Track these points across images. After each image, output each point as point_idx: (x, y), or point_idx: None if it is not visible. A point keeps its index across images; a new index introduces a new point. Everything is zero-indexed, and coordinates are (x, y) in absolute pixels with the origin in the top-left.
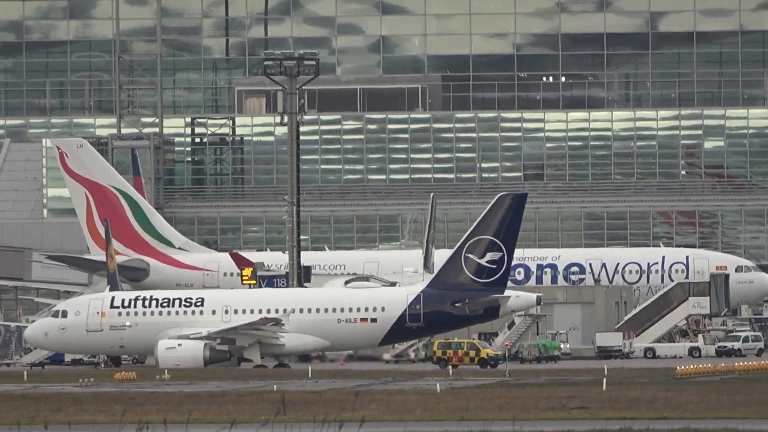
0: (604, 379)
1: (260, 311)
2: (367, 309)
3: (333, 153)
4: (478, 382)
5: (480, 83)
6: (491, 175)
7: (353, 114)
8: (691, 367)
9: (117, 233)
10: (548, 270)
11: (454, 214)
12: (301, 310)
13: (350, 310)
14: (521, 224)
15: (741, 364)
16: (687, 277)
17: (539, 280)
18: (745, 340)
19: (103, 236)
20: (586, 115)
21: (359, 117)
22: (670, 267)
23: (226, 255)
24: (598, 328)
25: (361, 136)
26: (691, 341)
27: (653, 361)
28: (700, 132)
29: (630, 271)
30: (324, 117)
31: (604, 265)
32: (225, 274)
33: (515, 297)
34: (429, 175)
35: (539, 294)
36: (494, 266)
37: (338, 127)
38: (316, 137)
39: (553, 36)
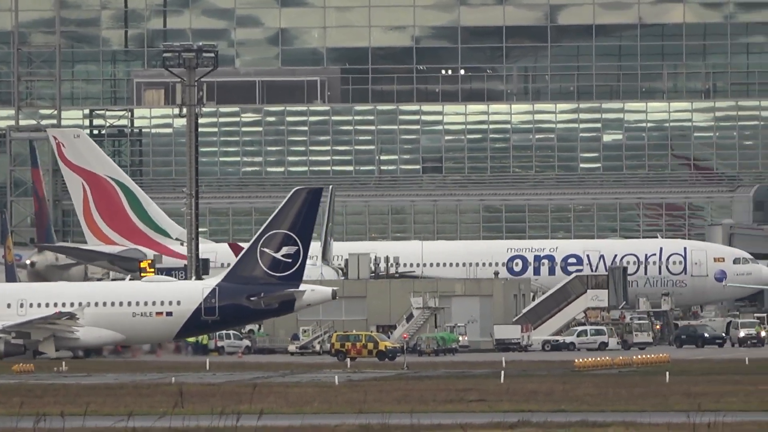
0: (502, 372)
1: (56, 305)
2: (162, 303)
3: (232, 145)
4: (376, 375)
5: (379, 76)
6: (390, 168)
7: (252, 106)
8: (590, 359)
9: (114, 223)
10: (546, 261)
11: (353, 206)
12: (97, 304)
13: (146, 303)
14: (421, 216)
15: (639, 357)
16: (685, 269)
17: (537, 271)
18: (582, 334)
19: (100, 227)
20: (485, 107)
21: (258, 109)
22: (668, 258)
23: (223, 245)
24: (497, 320)
25: (260, 129)
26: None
27: (551, 354)
28: (599, 125)
29: (628, 263)
30: (223, 109)
31: (602, 256)
32: (222, 265)
33: (310, 291)
34: (328, 168)
35: (335, 288)
36: (290, 260)
37: (237, 119)
38: (215, 129)
39: (452, 29)
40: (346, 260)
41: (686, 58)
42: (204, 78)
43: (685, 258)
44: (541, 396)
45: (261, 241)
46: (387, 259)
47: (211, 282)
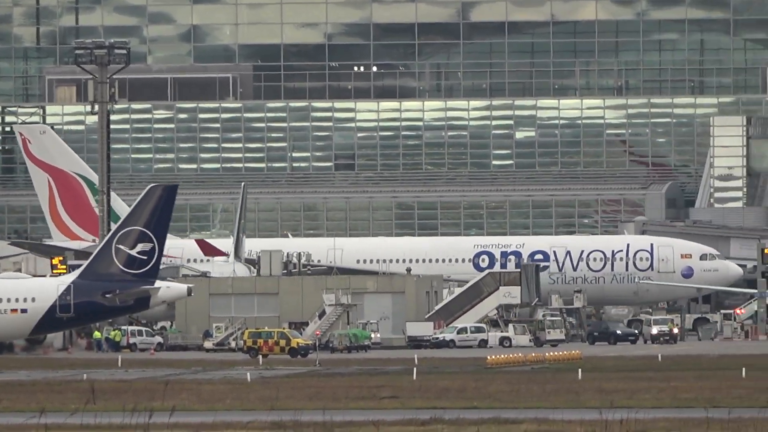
0: (415, 369)
1: None
2: (17, 300)
3: (144, 142)
4: (288, 372)
5: (291, 73)
6: (302, 165)
7: (164, 103)
8: (502, 356)
9: (80, 219)
10: (512, 257)
11: (265, 203)
12: None
13: (0, 300)
14: (333, 213)
15: (551, 354)
16: (652, 265)
17: (503, 267)
18: (462, 331)
19: (66, 223)
20: (398, 104)
21: (170, 106)
22: (635, 255)
23: (191, 241)
24: (409, 317)
25: (172, 125)
26: (502, 331)
27: (464, 351)
28: (512, 122)
29: (594, 259)
30: (135, 106)
31: (568, 252)
32: (189, 260)
33: (165, 288)
34: (240, 165)
35: (191, 285)
36: (145, 257)
37: (149, 116)
38: (127, 126)
39: (365, 25)
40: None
41: (598, 55)
42: (116, 75)
43: (651, 254)
44: (453, 393)
45: (116, 238)
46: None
47: (66, 279)
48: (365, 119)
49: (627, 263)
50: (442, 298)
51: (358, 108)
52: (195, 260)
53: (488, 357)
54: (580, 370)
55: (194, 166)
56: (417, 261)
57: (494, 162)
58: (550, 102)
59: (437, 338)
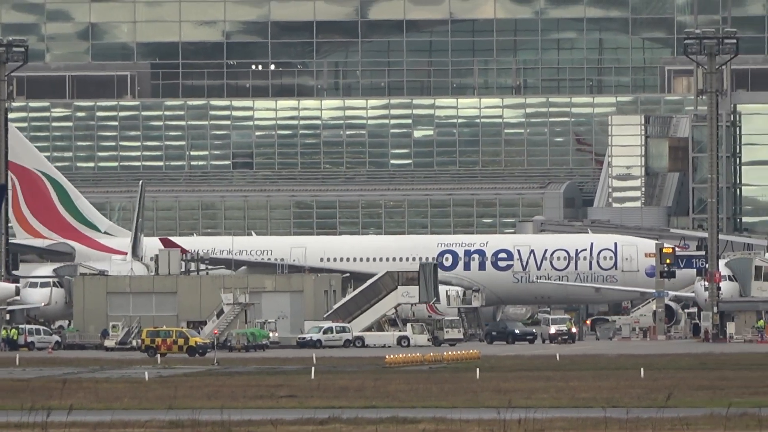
0: (313, 368)
1: None
2: None
3: (41, 140)
4: (186, 371)
5: (189, 71)
6: (200, 163)
7: (62, 101)
8: (400, 355)
9: (43, 217)
10: (476, 256)
11: (163, 201)
12: None
13: None
14: (231, 212)
15: (449, 353)
16: (615, 264)
17: (467, 266)
18: (328, 331)
19: (29, 221)
20: (296, 103)
21: (68, 104)
22: (599, 254)
23: (153, 239)
24: (307, 316)
25: (70, 124)
26: (401, 330)
27: (362, 350)
28: (410, 121)
29: (558, 258)
30: (32, 104)
31: (532, 251)
32: (151, 259)
33: None
34: (138, 163)
35: (18, 284)
36: None
37: (47, 114)
38: (25, 124)
39: (263, 24)
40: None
41: (497, 53)
42: (14, 73)
43: (615, 253)
44: (351, 392)
45: None
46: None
47: None
48: (263, 117)
49: (590, 262)
50: (341, 297)
51: (256, 106)
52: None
53: (387, 356)
54: (478, 369)
55: (92, 164)
56: (381, 260)
57: (392, 161)
58: (448, 101)
59: (303, 338)
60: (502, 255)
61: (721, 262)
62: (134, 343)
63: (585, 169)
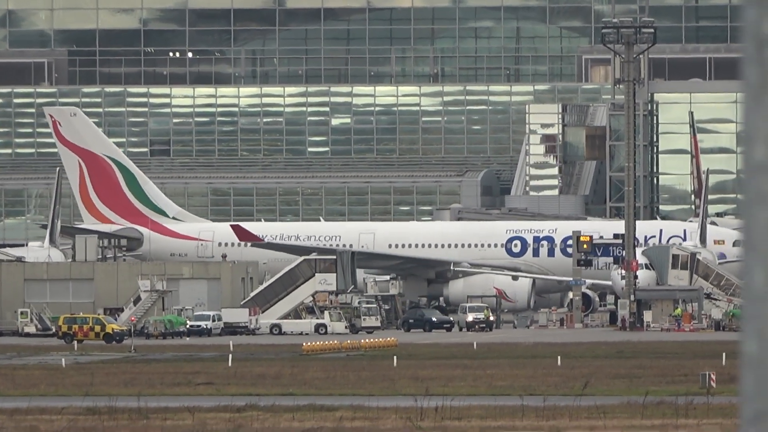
0: (230, 355)
1: None
2: None
3: None
4: (103, 358)
5: (107, 58)
6: None
7: None
8: (318, 343)
9: (111, 202)
10: (545, 243)
11: None
12: None
13: None
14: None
15: (366, 341)
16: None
17: (536, 252)
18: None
19: (97, 206)
20: (213, 90)
21: None
22: (668, 240)
23: (222, 225)
24: (225, 303)
25: None
26: (318, 318)
27: (279, 338)
28: (327, 109)
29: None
30: None
31: (601, 237)
32: (219, 244)
33: None
34: (55, 150)
35: None
36: None
37: None
38: None
39: (180, 11)
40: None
41: (414, 42)
42: None
43: (684, 240)
44: (269, 379)
45: None
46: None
47: None
48: (181, 105)
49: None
50: (259, 284)
51: (173, 94)
52: (227, 244)
53: (304, 344)
54: (395, 357)
55: (9, 151)
56: (450, 246)
57: (310, 149)
58: (365, 89)
59: (198, 326)
60: (572, 242)
61: (638, 251)
62: (53, 329)
63: (502, 157)
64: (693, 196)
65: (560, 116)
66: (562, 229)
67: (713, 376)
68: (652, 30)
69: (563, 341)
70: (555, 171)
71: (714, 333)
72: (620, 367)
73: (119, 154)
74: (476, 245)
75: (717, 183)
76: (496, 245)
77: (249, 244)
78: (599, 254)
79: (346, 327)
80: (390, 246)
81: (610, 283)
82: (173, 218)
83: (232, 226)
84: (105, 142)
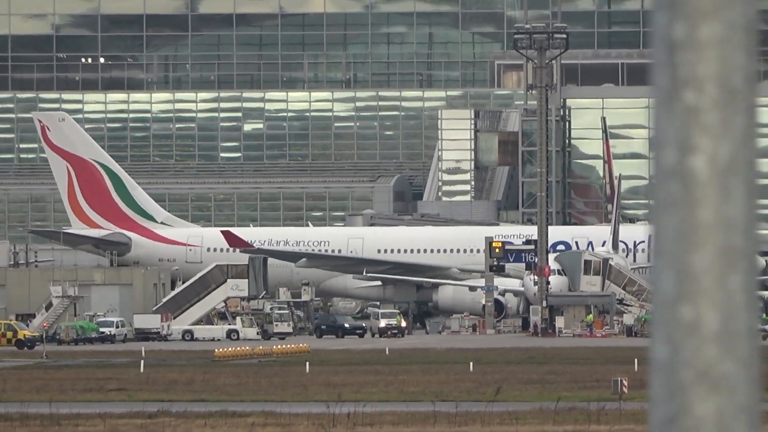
0: (142, 361)
1: None
2: None
3: None
4: (15, 364)
5: (18, 64)
6: (30, 156)
7: None
8: (230, 349)
9: (99, 207)
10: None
11: None
12: None
13: None
14: (61, 204)
15: (279, 347)
16: None
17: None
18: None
19: (85, 211)
20: (126, 96)
21: None
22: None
23: (210, 230)
24: (137, 309)
25: None
26: (230, 324)
27: (191, 344)
28: (240, 114)
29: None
30: None
31: (590, 243)
32: (208, 249)
33: None
34: None
35: None
36: None
37: None
38: None
39: (93, 17)
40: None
41: (327, 47)
42: None
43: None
44: (181, 385)
45: None
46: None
47: None
48: (93, 111)
49: (649, 255)
50: (171, 290)
51: (85, 99)
52: (215, 249)
53: (216, 350)
54: (307, 363)
55: None
56: (440, 251)
57: (222, 154)
58: (278, 94)
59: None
60: (560, 247)
61: (551, 257)
62: None
63: (415, 162)
64: (605, 201)
65: (473, 122)
66: (551, 233)
67: (625, 382)
68: (565, 35)
69: (475, 347)
70: (467, 177)
71: (626, 339)
72: (532, 372)
73: (108, 159)
74: (464, 251)
75: (629, 188)
76: (478, 251)
77: (239, 249)
78: (511, 259)
79: (258, 333)
80: (379, 251)
81: (522, 288)
82: (161, 223)
83: (222, 231)
84: (93, 147)
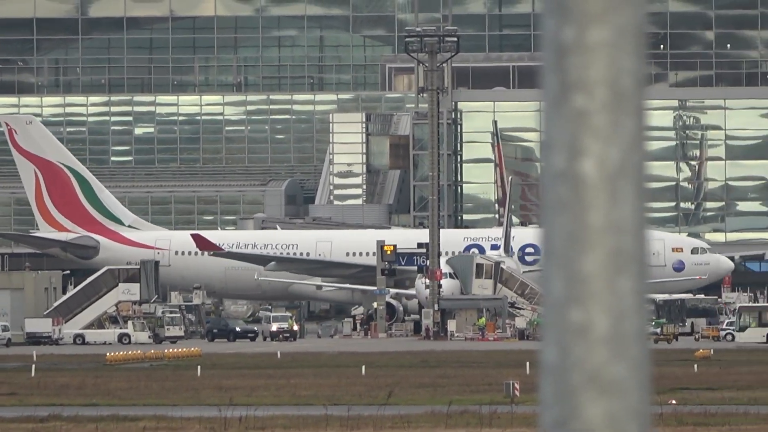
0: (33, 366)
1: None
2: None
3: None
4: None
5: None
6: None
7: None
8: (121, 353)
9: (66, 211)
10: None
11: None
12: None
13: None
14: None
15: (170, 351)
16: None
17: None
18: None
19: (53, 214)
20: (16, 100)
21: None
22: None
23: (178, 233)
24: (28, 314)
25: None
26: (121, 328)
27: (83, 348)
28: (131, 118)
29: None
30: None
31: None
32: (176, 253)
33: None
34: None
35: None
36: None
37: None
38: None
39: None
40: None
41: (218, 51)
42: None
43: None
44: (72, 390)
45: None
46: None
47: None
48: None
49: None
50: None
51: None
52: (183, 252)
53: (107, 354)
54: (199, 367)
55: None
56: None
57: (113, 158)
58: (169, 98)
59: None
60: (529, 249)
61: (442, 260)
62: None
63: (306, 166)
64: (497, 205)
65: (364, 125)
66: (519, 236)
67: (517, 385)
68: (456, 39)
69: (367, 351)
70: (359, 180)
71: (518, 342)
72: (424, 376)
73: (75, 162)
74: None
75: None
76: (454, 253)
77: (209, 252)
78: (403, 263)
79: (149, 337)
80: (348, 254)
81: (414, 292)
82: (129, 226)
83: (192, 235)
84: (61, 151)
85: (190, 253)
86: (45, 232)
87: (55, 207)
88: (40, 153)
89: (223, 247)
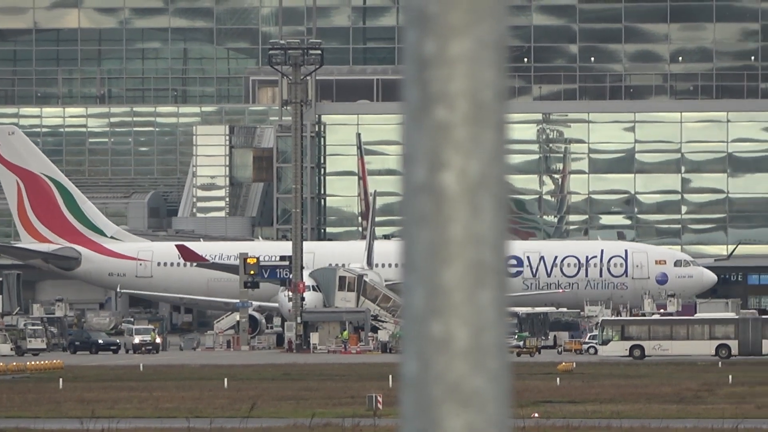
0: None
1: None
2: None
3: None
4: None
5: None
6: None
7: None
8: None
9: (49, 222)
10: None
11: None
12: None
13: None
14: None
15: (32, 363)
16: (626, 271)
17: None
18: None
19: (35, 225)
20: None
21: None
22: (609, 260)
23: (160, 244)
24: None
25: None
26: None
27: None
28: None
29: (568, 264)
30: None
31: (542, 258)
32: (158, 264)
33: None
34: None
35: None
36: None
37: None
38: None
39: None
40: None
41: (81, 63)
42: None
43: (626, 260)
44: None
45: None
46: None
47: None
48: None
49: (601, 269)
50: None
51: None
52: (166, 264)
53: None
54: (61, 379)
55: None
56: (390, 266)
57: None
58: (32, 110)
59: None
60: (512, 261)
61: (305, 272)
62: None
63: (170, 178)
64: (360, 217)
65: (227, 138)
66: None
67: (380, 398)
68: (320, 51)
69: (230, 363)
70: (222, 193)
71: (381, 355)
72: (287, 389)
73: (58, 173)
74: None
75: (384, 205)
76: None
77: (194, 264)
78: (266, 276)
79: (11, 349)
80: (330, 265)
81: (276, 305)
82: (111, 237)
83: (177, 246)
84: (43, 162)
85: (172, 264)
86: (27, 243)
87: (37, 218)
88: (22, 164)
89: (207, 258)
